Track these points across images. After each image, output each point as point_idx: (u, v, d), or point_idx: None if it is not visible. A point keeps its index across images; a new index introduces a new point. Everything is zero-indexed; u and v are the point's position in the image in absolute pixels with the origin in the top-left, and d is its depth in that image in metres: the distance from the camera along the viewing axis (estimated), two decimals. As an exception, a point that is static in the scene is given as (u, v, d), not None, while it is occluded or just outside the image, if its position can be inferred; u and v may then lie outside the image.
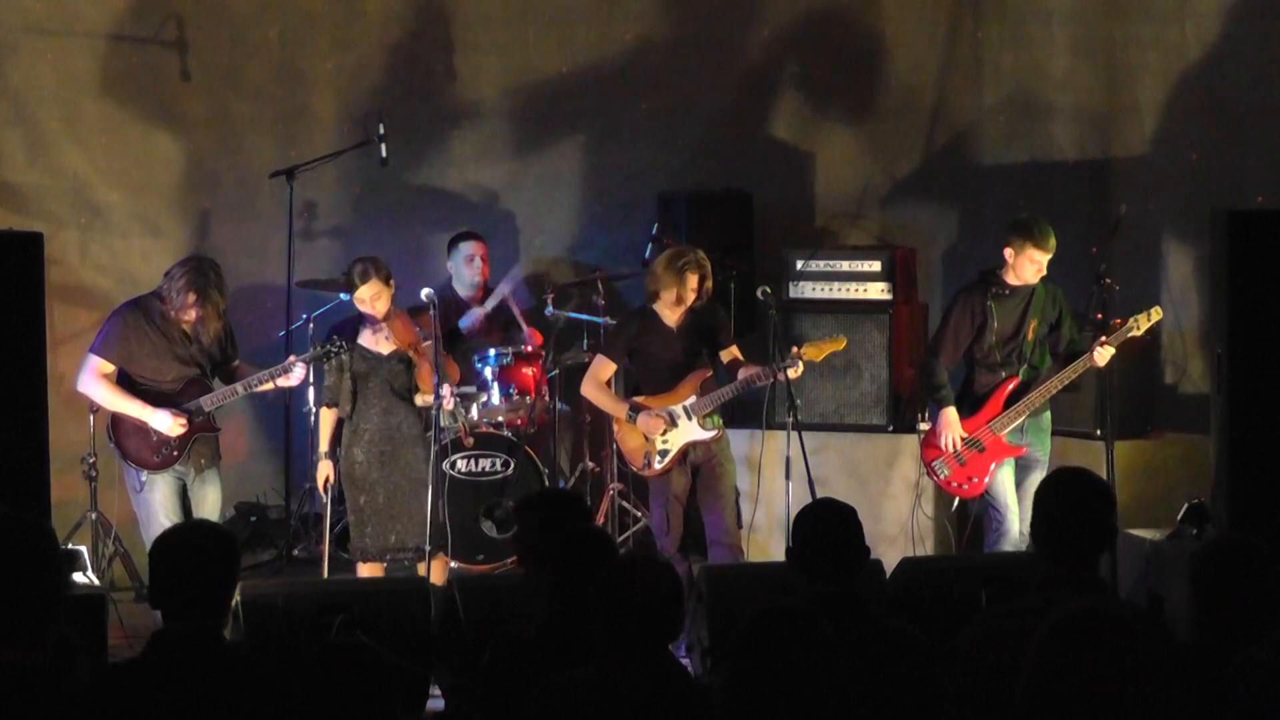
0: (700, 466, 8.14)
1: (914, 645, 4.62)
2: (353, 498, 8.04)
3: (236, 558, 4.30)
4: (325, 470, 8.10)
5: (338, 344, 7.95)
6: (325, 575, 8.15)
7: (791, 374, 7.98)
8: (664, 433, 8.10)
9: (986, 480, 8.19)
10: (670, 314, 8.12)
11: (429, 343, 7.98)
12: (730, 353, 8.19)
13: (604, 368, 8.29)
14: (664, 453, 8.12)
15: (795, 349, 8.05)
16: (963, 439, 8.20)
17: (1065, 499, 4.50)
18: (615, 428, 8.33)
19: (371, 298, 7.94)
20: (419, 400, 8.06)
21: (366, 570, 8.02)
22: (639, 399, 8.20)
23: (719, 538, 8.06)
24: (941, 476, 8.31)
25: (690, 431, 8.10)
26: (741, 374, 8.06)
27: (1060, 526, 4.45)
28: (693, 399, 8.10)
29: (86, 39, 9.64)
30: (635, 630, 4.17)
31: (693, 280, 8.01)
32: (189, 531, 4.55)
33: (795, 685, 3.65)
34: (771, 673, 3.67)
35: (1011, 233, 8.16)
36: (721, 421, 8.16)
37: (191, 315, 7.76)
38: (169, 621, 4.18)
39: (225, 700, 4.05)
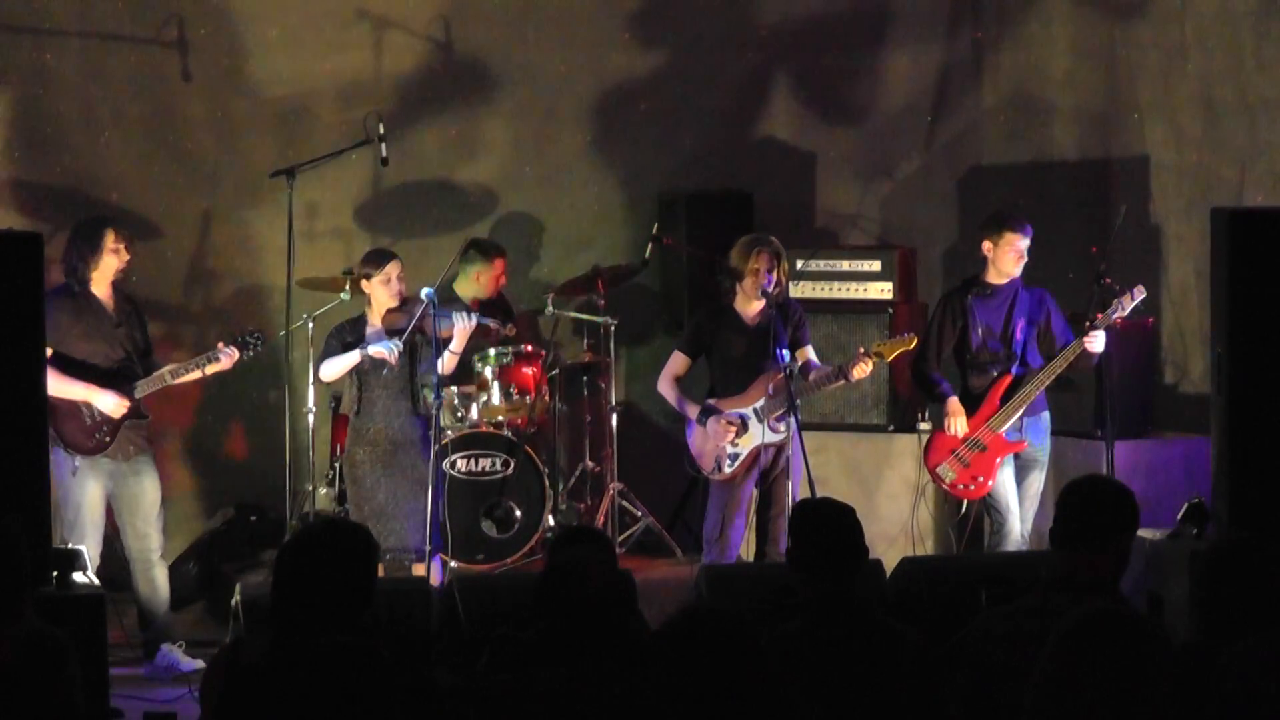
0: (767, 473, 8.09)
1: (912, 645, 4.62)
2: (354, 498, 8.06)
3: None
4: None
5: (256, 336, 8.12)
6: None
7: (857, 373, 7.96)
8: (734, 437, 8.06)
9: (992, 481, 8.16)
10: (749, 309, 8.09)
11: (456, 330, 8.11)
12: (803, 354, 8.14)
13: (678, 363, 8.24)
14: (734, 456, 8.06)
15: (862, 349, 8.02)
16: (963, 440, 8.17)
17: (1086, 499, 4.51)
18: (688, 428, 8.22)
19: (397, 276, 8.07)
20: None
21: None
22: (712, 401, 8.14)
23: (765, 548, 8.07)
24: (947, 480, 8.28)
25: (761, 434, 8.04)
26: (813, 376, 8.04)
27: (1074, 527, 4.45)
28: (763, 401, 8.04)
29: (87, 39, 9.63)
30: (576, 628, 4.16)
31: (765, 258, 7.97)
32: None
33: (715, 685, 3.59)
34: (695, 673, 3.62)
35: (986, 228, 8.23)
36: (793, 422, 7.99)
37: (120, 261, 7.86)
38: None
39: None
